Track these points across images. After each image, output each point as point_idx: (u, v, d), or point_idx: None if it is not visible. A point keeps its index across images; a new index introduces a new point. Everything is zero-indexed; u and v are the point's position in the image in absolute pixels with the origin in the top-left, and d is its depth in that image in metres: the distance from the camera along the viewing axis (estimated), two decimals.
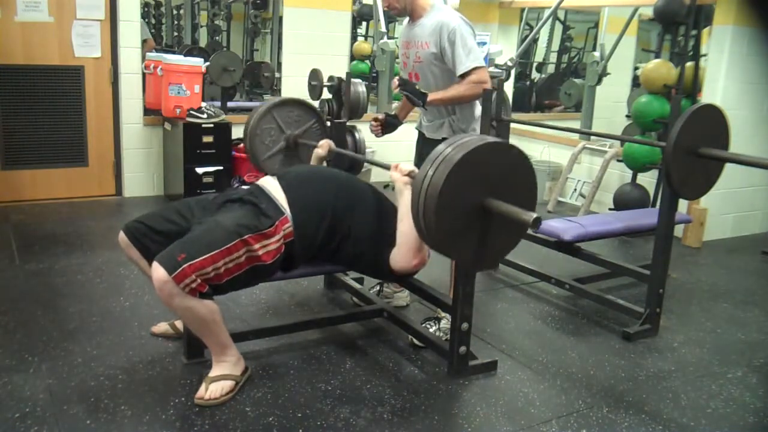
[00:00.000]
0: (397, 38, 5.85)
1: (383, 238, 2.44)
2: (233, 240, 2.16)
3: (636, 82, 6.15)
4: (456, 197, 2.00)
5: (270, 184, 2.42)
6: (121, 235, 2.43)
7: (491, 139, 2.10)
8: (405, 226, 2.34)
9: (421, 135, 3.08)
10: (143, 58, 4.89)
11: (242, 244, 2.18)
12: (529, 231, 2.21)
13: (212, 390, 2.23)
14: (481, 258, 2.16)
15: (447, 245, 2.09)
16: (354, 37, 7.04)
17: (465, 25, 2.73)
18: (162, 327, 2.71)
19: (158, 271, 2.06)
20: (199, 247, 2.12)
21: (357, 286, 3.17)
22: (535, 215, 1.93)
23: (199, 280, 2.09)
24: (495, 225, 2.09)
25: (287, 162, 3.19)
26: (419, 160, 3.00)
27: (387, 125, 3.07)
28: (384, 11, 5.65)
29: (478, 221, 2.06)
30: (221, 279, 2.16)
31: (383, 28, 5.54)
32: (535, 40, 7.25)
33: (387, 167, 2.53)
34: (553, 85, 7.72)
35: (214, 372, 2.29)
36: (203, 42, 7.03)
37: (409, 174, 2.38)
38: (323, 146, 2.91)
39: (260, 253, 2.22)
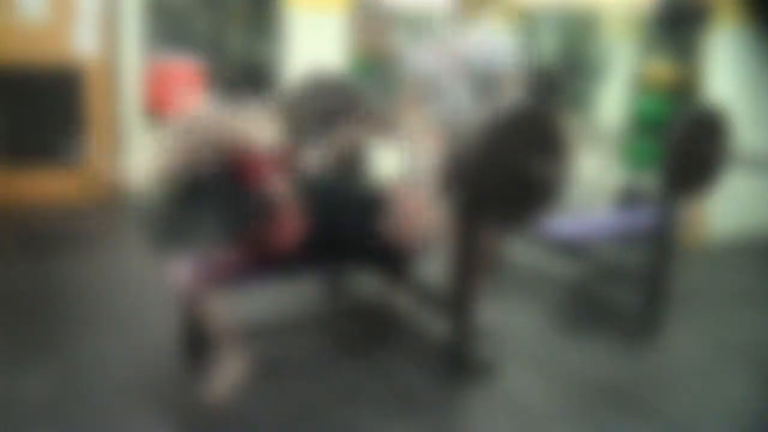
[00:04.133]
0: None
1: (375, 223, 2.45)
2: (234, 238, 2.17)
3: (636, 82, 6.14)
4: None
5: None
6: (131, 236, 2.45)
7: None
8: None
9: None
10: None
11: (243, 242, 2.19)
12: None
13: (213, 389, 2.24)
14: None
15: None
16: None
17: None
18: (162, 327, 2.71)
19: (164, 266, 2.08)
20: (202, 243, 2.14)
21: (358, 286, 3.17)
22: None
23: (203, 276, 2.11)
24: None
25: None
26: None
27: None
28: None
29: None
30: (224, 276, 2.18)
31: None
32: None
33: None
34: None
35: (215, 371, 2.29)
36: None
37: None
38: None
39: (261, 252, 2.23)
